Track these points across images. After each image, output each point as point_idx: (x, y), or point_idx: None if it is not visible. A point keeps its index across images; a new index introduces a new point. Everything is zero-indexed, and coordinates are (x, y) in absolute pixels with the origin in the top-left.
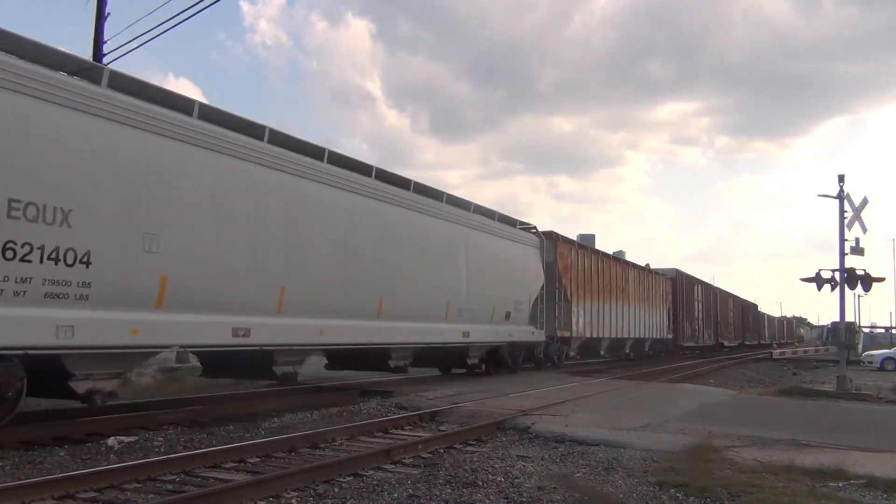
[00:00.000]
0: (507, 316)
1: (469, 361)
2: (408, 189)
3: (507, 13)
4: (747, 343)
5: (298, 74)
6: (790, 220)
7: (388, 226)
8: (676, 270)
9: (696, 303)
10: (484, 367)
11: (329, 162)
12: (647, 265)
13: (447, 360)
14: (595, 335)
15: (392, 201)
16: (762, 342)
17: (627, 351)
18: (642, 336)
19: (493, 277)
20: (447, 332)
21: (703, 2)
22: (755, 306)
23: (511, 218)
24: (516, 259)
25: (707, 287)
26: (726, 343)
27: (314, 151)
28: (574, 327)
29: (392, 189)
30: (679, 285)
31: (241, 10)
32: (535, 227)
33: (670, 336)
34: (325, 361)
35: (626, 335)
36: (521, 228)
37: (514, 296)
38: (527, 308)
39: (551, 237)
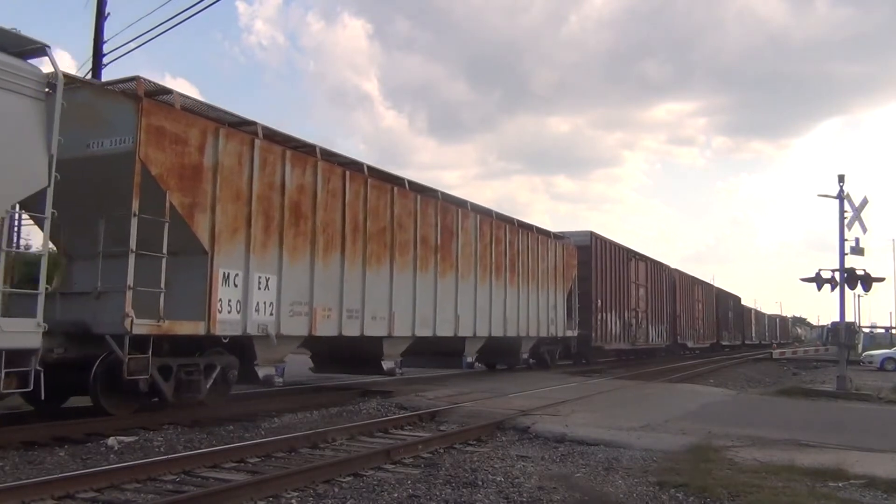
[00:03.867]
0: None
1: None
2: None
3: (504, 13)
4: (725, 343)
5: (295, 75)
6: (789, 220)
7: None
8: (592, 234)
9: (634, 287)
10: None
11: None
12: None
13: None
14: (360, 332)
15: None
16: (747, 342)
17: (471, 360)
18: (511, 334)
19: None
20: None
21: (699, 2)
22: (737, 299)
23: None
24: None
25: (657, 267)
26: (690, 344)
27: None
28: (227, 313)
29: None
30: (597, 257)
31: (237, 10)
32: (42, 49)
33: (573, 333)
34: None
35: (462, 332)
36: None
37: None
38: None
39: (128, 89)
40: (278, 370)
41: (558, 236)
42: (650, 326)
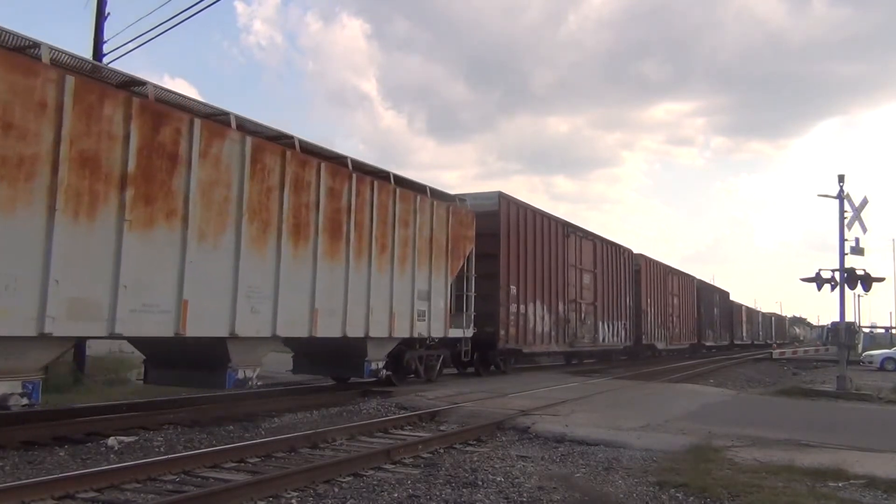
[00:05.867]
0: None
1: None
2: None
3: (503, 13)
4: (709, 344)
5: (295, 75)
6: (789, 220)
7: None
8: (501, 196)
9: (575, 272)
10: None
11: None
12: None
13: None
14: None
15: None
16: (737, 342)
17: (247, 374)
18: (329, 334)
19: None
20: None
21: (697, 2)
22: (725, 294)
23: None
24: None
25: (612, 249)
26: (660, 345)
27: None
28: None
29: None
30: (511, 229)
31: (235, 10)
32: None
33: (464, 332)
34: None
35: (199, 328)
36: None
37: None
38: None
39: None
40: None
41: (440, 195)
42: (601, 323)
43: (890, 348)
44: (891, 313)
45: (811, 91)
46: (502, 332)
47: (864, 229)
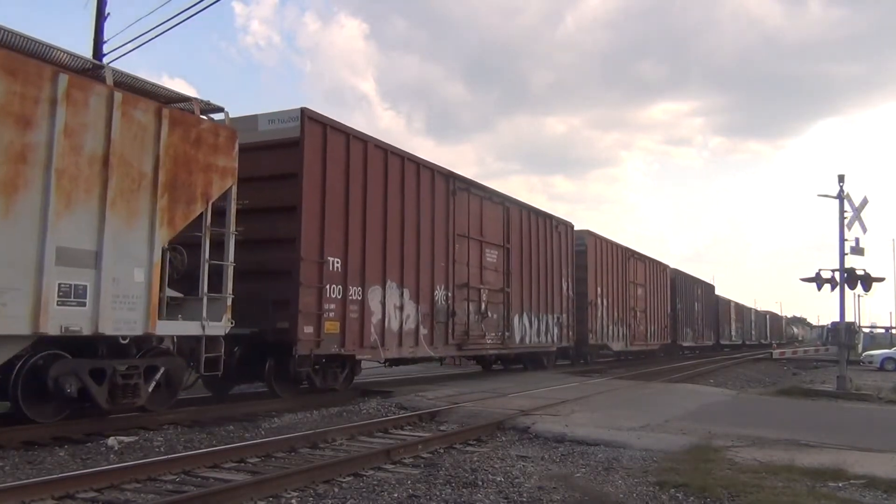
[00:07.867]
0: None
1: None
2: None
3: (501, 13)
4: (687, 345)
5: (293, 75)
6: (789, 219)
7: None
8: (305, 114)
9: (471, 245)
10: None
11: None
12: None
13: None
14: None
15: None
16: (724, 343)
17: None
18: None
19: None
20: None
21: (694, 3)
22: (710, 287)
23: None
24: None
25: (541, 221)
26: (616, 346)
27: None
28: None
29: None
30: (339, 169)
31: (233, 10)
32: None
33: (203, 330)
34: None
35: None
36: None
37: None
38: None
39: None
40: None
41: (144, 87)
42: (519, 317)
43: (890, 348)
44: (891, 313)
45: (808, 91)
46: (307, 329)
47: (864, 229)
